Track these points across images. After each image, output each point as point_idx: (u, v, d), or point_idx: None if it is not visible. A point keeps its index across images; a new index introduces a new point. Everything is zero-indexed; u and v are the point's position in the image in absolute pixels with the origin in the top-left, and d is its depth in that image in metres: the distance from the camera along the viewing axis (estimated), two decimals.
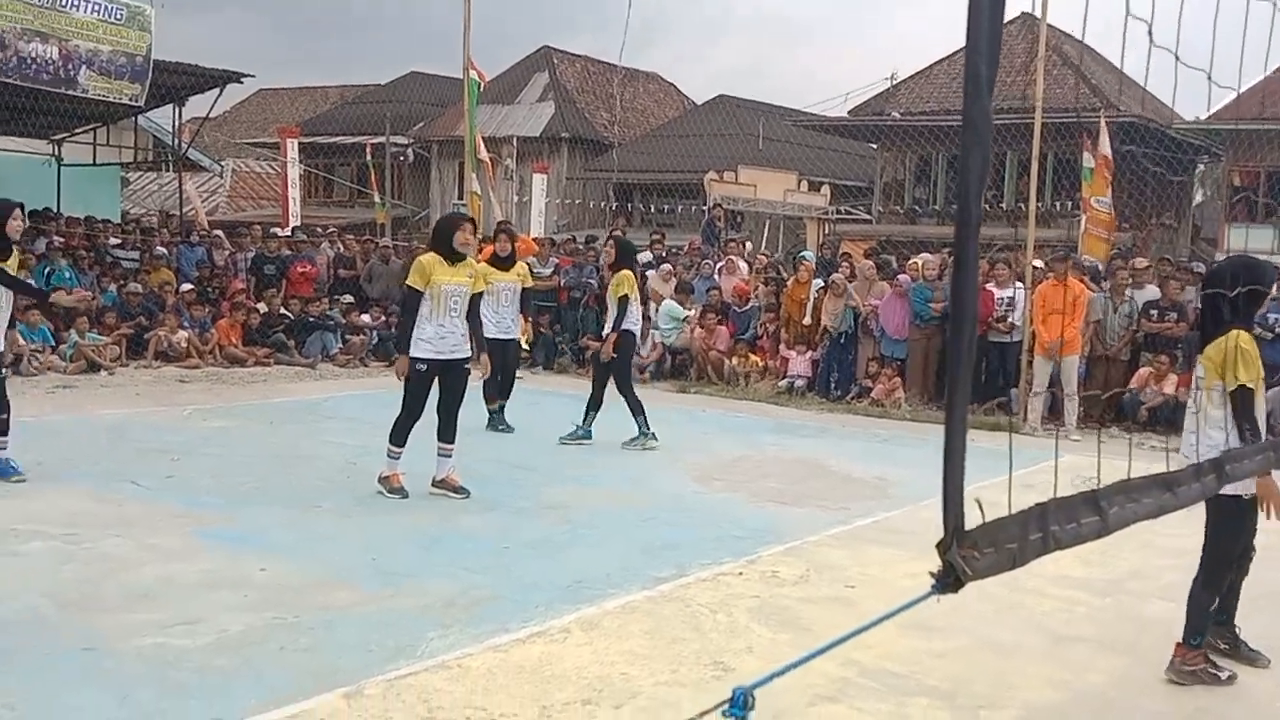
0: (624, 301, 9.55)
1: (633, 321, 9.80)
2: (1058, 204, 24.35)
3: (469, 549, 6.25)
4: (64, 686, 4.12)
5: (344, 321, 15.25)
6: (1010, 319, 12.30)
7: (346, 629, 4.85)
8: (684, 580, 5.80)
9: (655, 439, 9.56)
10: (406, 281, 7.38)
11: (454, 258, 7.25)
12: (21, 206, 7.55)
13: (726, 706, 1.28)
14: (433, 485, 7.40)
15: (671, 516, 7.23)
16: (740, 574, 5.96)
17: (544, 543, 6.45)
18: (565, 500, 7.55)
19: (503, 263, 10.06)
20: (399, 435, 7.30)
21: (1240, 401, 4.37)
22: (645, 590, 5.59)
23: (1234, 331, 4.42)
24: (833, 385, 13.30)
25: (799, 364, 13.56)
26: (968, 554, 1.35)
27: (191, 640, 4.65)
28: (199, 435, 9.30)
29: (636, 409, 9.59)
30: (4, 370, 7.49)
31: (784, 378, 13.58)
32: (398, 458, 7.34)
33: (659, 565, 6.03)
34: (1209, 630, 4.73)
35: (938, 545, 1.38)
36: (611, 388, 9.67)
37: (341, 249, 17.49)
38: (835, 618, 5.32)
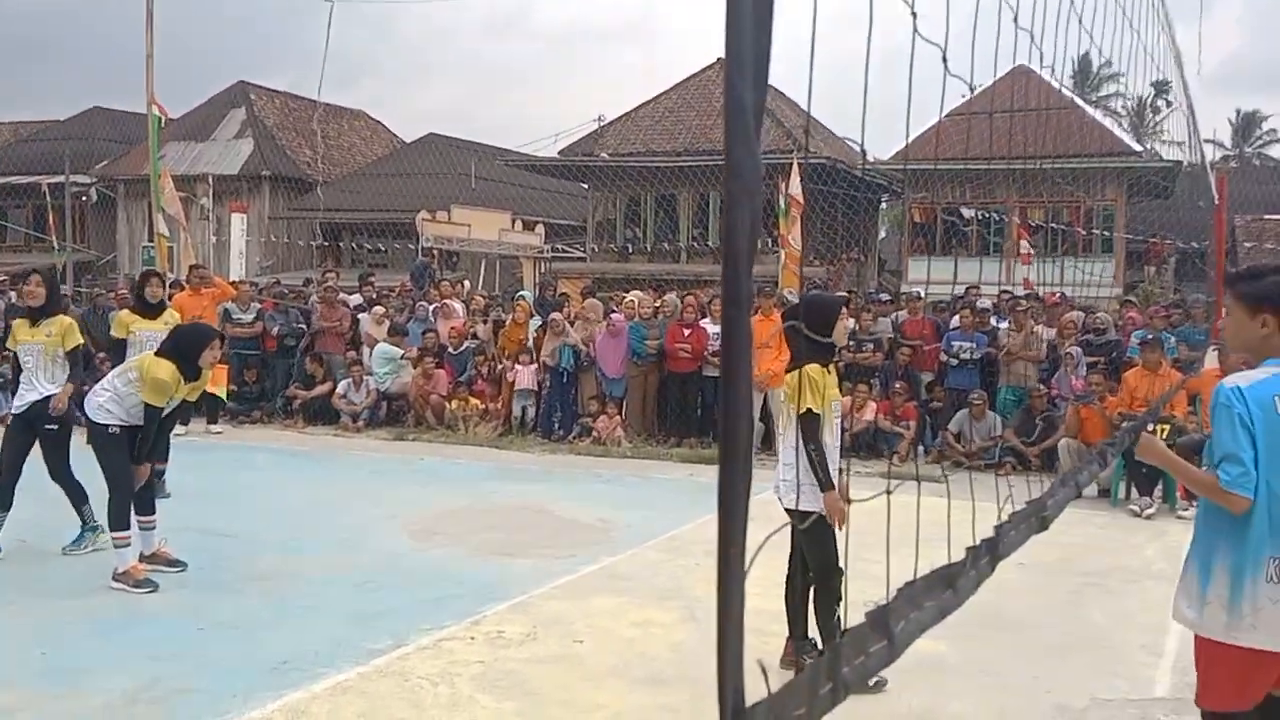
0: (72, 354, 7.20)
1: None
2: (759, 241, 25.48)
3: (157, 634, 5.59)
4: None
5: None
6: None
7: None
8: (402, 650, 5.41)
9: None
10: (150, 401, 6.50)
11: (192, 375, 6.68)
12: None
13: None
14: (142, 561, 6.63)
15: (388, 579, 6.79)
16: (463, 638, 5.63)
17: (244, 620, 5.87)
18: (269, 569, 6.96)
19: (150, 310, 8.77)
20: (122, 517, 6.48)
21: (807, 426, 4.88)
22: (359, 666, 5.16)
23: (809, 364, 4.93)
24: (555, 425, 13.17)
25: (525, 376, 13.29)
26: None
27: None
28: None
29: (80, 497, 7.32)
30: None
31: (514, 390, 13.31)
32: (128, 544, 6.48)
33: (374, 636, 5.60)
34: (798, 646, 5.20)
35: None
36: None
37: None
38: (562, 677, 5.10)
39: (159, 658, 5.21)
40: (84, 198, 31.67)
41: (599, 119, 29.92)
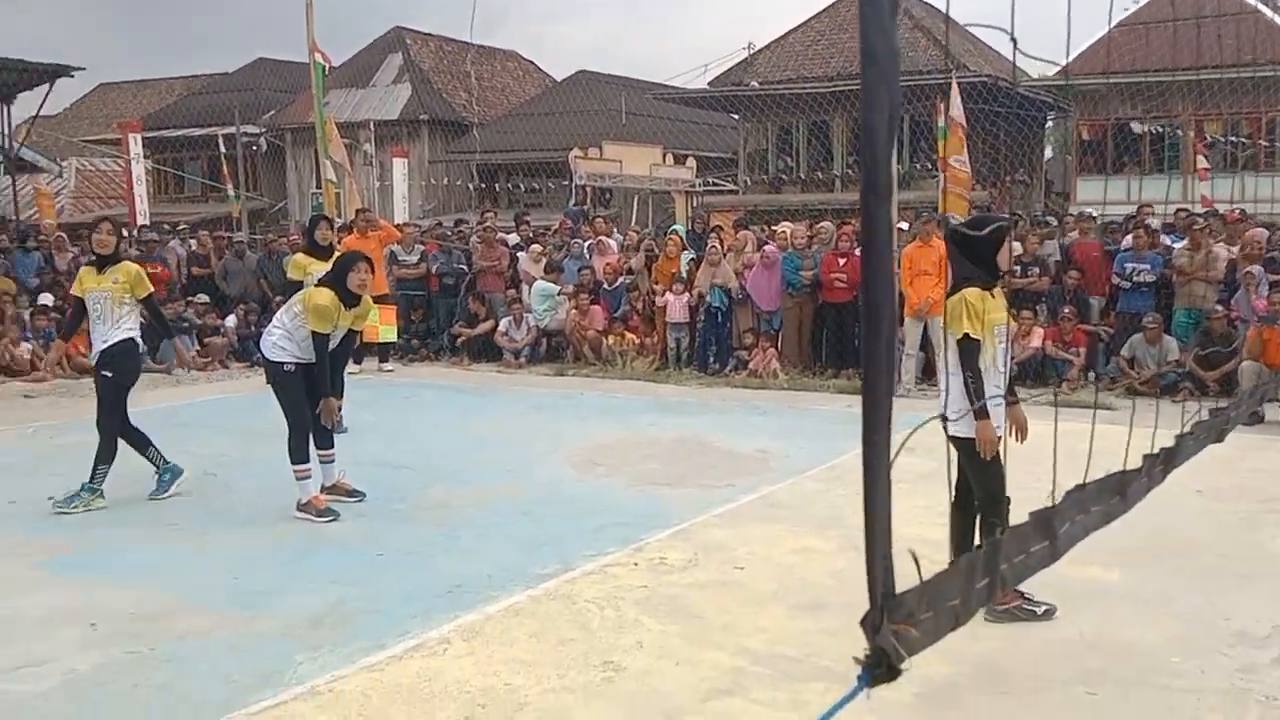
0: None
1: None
2: (917, 165, 24.80)
3: (338, 561, 5.91)
4: None
5: (200, 323, 14.54)
6: None
7: (206, 659, 4.50)
8: (569, 575, 5.58)
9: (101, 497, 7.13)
10: (316, 328, 6.71)
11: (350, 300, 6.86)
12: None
13: None
14: (323, 493, 6.99)
15: (553, 508, 6.99)
16: (626, 564, 5.77)
17: (419, 547, 6.14)
18: (441, 499, 7.25)
19: (321, 252, 9.17)
20: (300, 451, 6.81)
21: (964, 350, 4.76)
22: (529, 590, 5.35)
23: (968, 288, 4.79)
24: (711, 359, 13.22)
25: (678, 308, 13.34)
26: (901, 630, 1.13)
27: (35, 685, 4.25)
28: (43, 455, 8.70)
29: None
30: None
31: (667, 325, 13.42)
32: (309, 476, 6.84)
33: (541, 561, 5.79)
34: None
35: (862, 623, 1.15)
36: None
37: (194, 246, 16.69)
38: (724, 602, 5.18)
39: (341, 582, 5.51)
40: (254, 147, 32.98)
41: (748, 47, 29.49)
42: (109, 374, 7.10)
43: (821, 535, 6.25)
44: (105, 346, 7.08)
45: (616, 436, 9.39)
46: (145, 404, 11.34)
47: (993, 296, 4.85)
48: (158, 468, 7.34)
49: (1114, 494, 1.57)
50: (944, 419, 5.01)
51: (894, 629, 1.08)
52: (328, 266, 8.71)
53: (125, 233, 16.41)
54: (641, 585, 5.41)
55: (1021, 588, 4.89)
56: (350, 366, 12.05)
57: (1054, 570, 5.38)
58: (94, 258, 7.25)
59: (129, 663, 4.48)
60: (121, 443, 7.16)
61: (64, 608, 5.13)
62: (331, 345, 6.85)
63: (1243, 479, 7.60)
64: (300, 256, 9.56)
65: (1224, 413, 2.17)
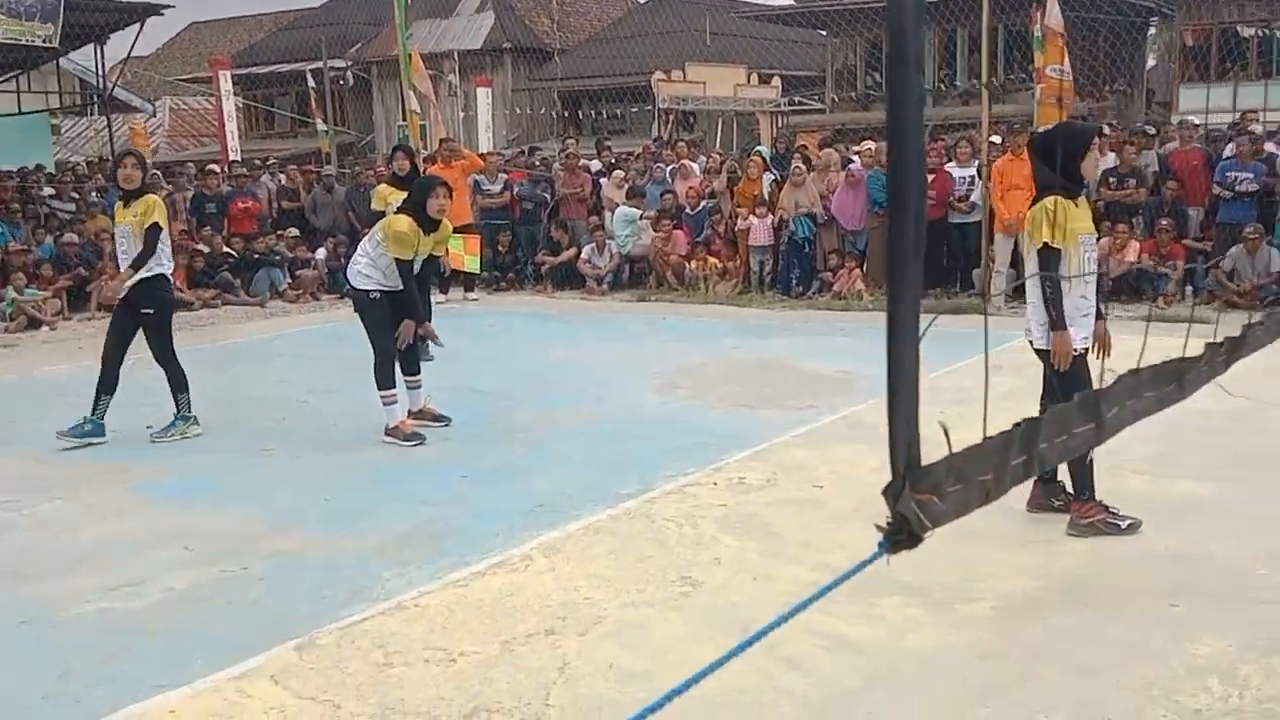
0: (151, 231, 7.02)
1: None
2: (1011, 78, 24.00)
3: (425, 481, 6.05)
4: None
5: (291, 256, 14.84)
6: (971, 198, 12.09)
7: (297, 576, 4.67)
8: (649, 495, 5.64)
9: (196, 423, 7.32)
10: (397, 255, 6.77)
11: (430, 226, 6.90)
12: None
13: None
14: (410, 418, 7.16)
15: (635, 429, 7.05)
16: (706, 484, 5.81)
17: (503, 468, 6.26)
18: (524, 422, 7.36)
19: (402, 182, 9.04)
20: (385, 376, 6.90)
21: (1042, 260, 4.67)
22: (609, 509, 5.42)
23: (1049, 197, 4.65)
24: (794, 282, 13.10)
25: (761, 231, 13.22)
26: (925, 499, 1.12)
27: (135, 602, 4.46)
28: (141, 386, 8.98)
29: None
30: None
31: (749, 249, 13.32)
32: (395, 401, 6.95)
33: (623, 481, 5.86)
34: (1045, 489, 5.08)
35: (884, 491, 1.15)
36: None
37: (284, 181, 16.97)
38: (803, 519, 5.19)
39: (428, 502, 5.64)
40: (341, 82, 33.26)
41: None
42: (150, 311, 7.07)
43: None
44: (138, 282, 7.00)
45: (699, 360, 9.40)
46: (237, 337, 11.71)
47: (1076, 206, 4.72)
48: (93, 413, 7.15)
49: (1170, 380, 1.52)
50: (1028, 333, 4.92)
51: (917, 498, 1.08)
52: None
53: (148, 166, 16.78)
54: (720, 504, 5.45)
55: (1107, 501, 4.82)
56: (436, 296, 12.24)
57: (1143, 485, 5.32)
58: (121, 192, 7.21)
59: (224, 580, 4.67)
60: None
61: (161, 530, 5.34)
62: (415, 270, 6.94)
63: None
64: (383, 187, 9.70)
65: None
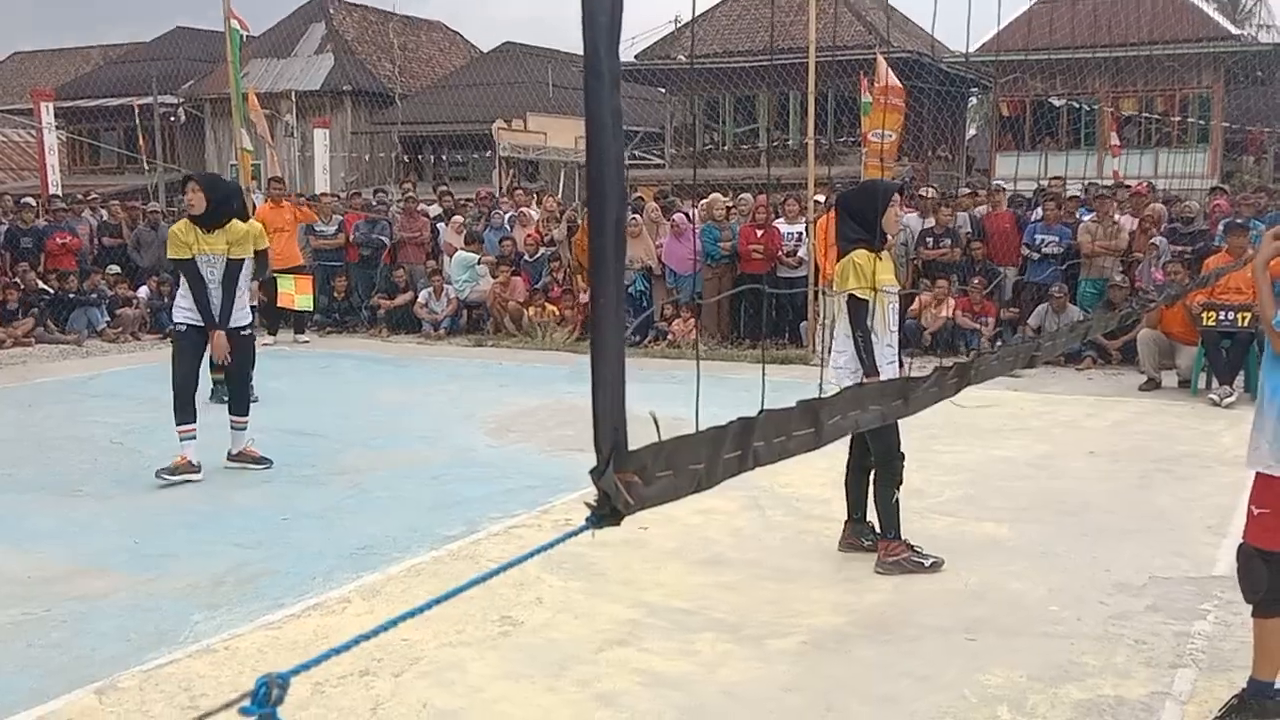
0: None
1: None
2: (841, 141, 25.02)
3: (243, 524, 5.90)
4: None
5: (112, 294, 14.26)
6: (799, 253, 12.53)
7: (102, 619, 4.49)
8: (474, 537, 5.64)
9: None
10: (173, 255, 6.80)
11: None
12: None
13: (247, 703, 1.06)
14: (228, 460, 6.97)
15: (464, 472, 7.03)
16: (533, 525, 5.83)
17: (327, 511, 6.15)
18: (352, 465, 7.25)
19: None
20: (182, 411, 6.75)
21: (852, 310, 4.92)
22: (433, 551, 5.39)
23: (855, 250, 4.97)
24: (630, 331, 13.30)
25: None
26: (629, 480, 1.21)
27: None
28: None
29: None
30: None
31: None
32: (191, 436, 6.79)
33: (449, 524, 5.84)
34: (855, 529, 5.34)
35: (591, 472, 1.23)
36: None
37: (106, 216, 16.34)
38: (625, 559, 5.27)
39: (244, 545, 5.50)
40: (172, 118, 32.24)
41: (675, 20, 29.44)
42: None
43: (726, 496, 6.35)
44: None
45: (532, 404, 9.43)
46: (55, 374, 11.17)
47: (880, 259, 4.99)
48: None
49: (897, 396, 1.66)
50: (834, 378, 5.16)
51: (621, 479, 1.16)
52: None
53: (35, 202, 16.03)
54: None
55: (911, 541, 5.06)
56: (264, 338, 11.94)
57: (948, 526, 5.59)
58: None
59: (24, 623, 4.46)
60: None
61: None
62: (216, 275, 6.78)
63: (1137, 440, 7.88)
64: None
65: (1036, 341, 2.29)
